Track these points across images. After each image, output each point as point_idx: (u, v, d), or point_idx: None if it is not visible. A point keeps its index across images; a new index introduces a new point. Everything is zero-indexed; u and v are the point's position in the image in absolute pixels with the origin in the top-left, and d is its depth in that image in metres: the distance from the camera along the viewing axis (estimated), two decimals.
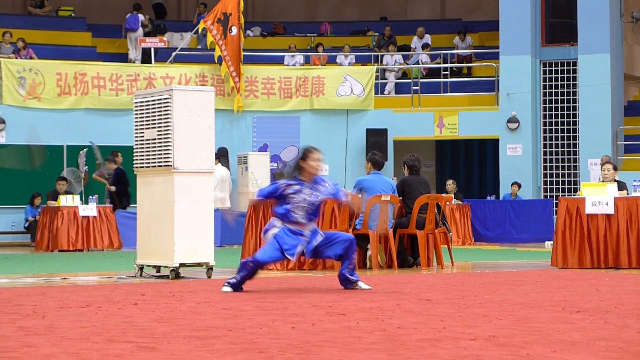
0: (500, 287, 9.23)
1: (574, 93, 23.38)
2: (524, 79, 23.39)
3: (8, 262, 14.60)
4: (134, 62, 24.33)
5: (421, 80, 24.42)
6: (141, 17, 25.22)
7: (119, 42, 25.72)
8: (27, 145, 21.49)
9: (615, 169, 13.84)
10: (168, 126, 10.61)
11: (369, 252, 12.60)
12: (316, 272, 11.84)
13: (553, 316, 6.63)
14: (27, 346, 5.22)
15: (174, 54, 23.62)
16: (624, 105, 24.46)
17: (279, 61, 25.34)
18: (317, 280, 10.36)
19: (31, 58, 22.85)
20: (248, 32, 26.57)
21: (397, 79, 25.39)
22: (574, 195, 16.49)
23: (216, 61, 23.10)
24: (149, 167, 10.94)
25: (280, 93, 23.54)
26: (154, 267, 11.12)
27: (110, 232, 18.52)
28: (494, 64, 24.12)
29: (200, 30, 23.52)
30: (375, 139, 22.95)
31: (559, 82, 23.61)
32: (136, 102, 11.19)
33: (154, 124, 10.82)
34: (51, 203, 18.93)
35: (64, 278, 11.07)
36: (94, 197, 18.65)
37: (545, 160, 23.55)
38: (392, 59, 25.58)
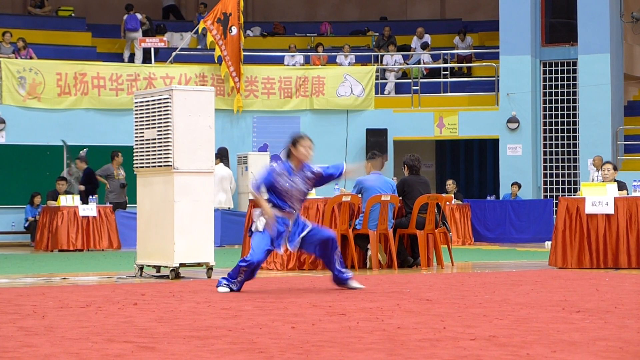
0: (500, 287, 9.23)
1: (574, 93, 23.38)
2: (524, 79, 23.39)
3: (8, 262, 14.60)
4: (134, 60, 24.43)
5: (421, 80, 24.41)
6: (139, 16, 25.26)
7: (119, 43, 25.72)
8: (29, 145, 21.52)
9: (615, 169, 13.85)
10: (168, 126, 10.61)
11: (369, 252, 12.60)
12: (316, 272, 11.84)
13: (553, 316, 6.63)
14: (27, 346, 5.22)
15: (174, 54, 23.62)
16: (624, 105, 24.46)
17: (279, 61, 25.34)
18: (317, 280, 10.36)
19: (31, 58, 22.85)
20: (248, 32, 26.57)
21: (397, 79, 25.39)
22: (574, 195, 16.49)
23: (216, 61, 23.10)
24: (149, 167, 10.94)
25: (280, 93, 23.54)
26: (154, 267, 11.12)
27: (110, 232, 18.51)
28: (494, 64, 24.12)
29: (200, 30, 23.52)
30: (375, 139, 22.95)
31: (559, 82, 23.60)
32: (136, 102, 11.19)
33: (154, 124, 10.82)
34: (51, 203, 18.93)
35: (64, 278, 11.07)
36: (93, 197, 18.64)
37: (545, 160, 23.54)
38: (392, 59, 25.59)
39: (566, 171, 23.37)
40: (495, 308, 7.19)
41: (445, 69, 25.10)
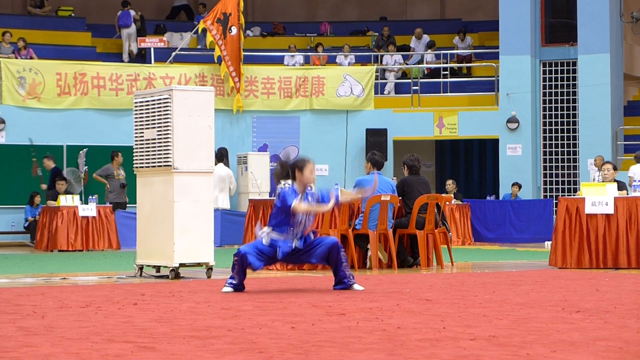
0: (500, 287, 9.23)
1: (574, 93, 23.39)
2: (523, 79, 23.39)
3: (8, 262, 14.60)
4: (129, 58, 24.49)
5: (421, 80, 24.42)
6: (132, 12, 25.29)
7: (118, 43, 25.73)
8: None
9: (615, 169, 13.86)
10: (168, 126, 10.61)
11: (369, 252, 12.60)
12: (316, 272, 11.84)
13: (553, 316, 6.63)
14: (26, 346, 5.22)
15: (173, 54, 23.62)
16: (624, 105, 24.46)
17: (279, 61, 25.34)
18: (317, 280, 10.36)
19: (31, 58, 22.86)
20: (248, 32, 26.58)
21: (397, 79, 25.40)
22: (574, 195, 16.49)
23: (216, 61, 23.10)
24: (148, 167, 10.94)
25: (280, 93, 23.54)
26: (154, 267, 11.12)
27: (110, 232, 18.50)
28: (493, 64, 24.12)
29: (200, 30, 23.53)
30: (375, 139, 22.95)
31: (559, 82, 23.61)
32: (136, 102, 11.19)
33: (154, 124, 10.82)
34: (51, 203, 18.93)
35: (64, 278, 11.07)
36: (93, 197, 18.64)
37: (545, 160, 23.55)
38: (392, 59, 25.59)
39: (566, 171, 23.37)
40: (495, 308, 7.19)
41: (445, 69, 25.11)
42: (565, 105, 23.50)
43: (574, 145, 23.29)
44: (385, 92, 24.89)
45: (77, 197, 18.67)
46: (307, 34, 28.10)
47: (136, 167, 11.19)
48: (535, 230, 21.41)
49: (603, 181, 13.37)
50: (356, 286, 8.95)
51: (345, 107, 23.72)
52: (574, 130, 23.30)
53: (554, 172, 23.48)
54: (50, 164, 20.08)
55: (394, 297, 8.23)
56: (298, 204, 8.77)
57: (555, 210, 13.97)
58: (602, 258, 12.05)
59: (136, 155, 11.14)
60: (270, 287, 9.30)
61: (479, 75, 25.53)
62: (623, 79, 24.12)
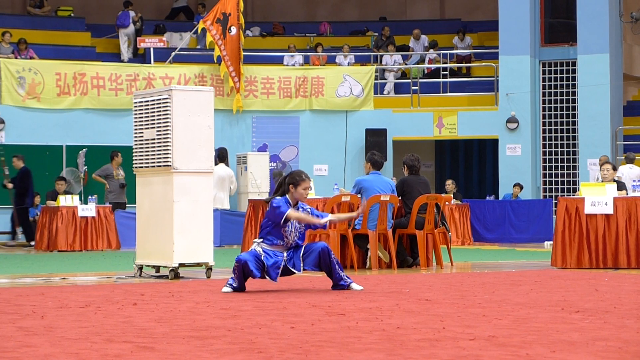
0: (499, 287, 9.23)
1: (573, 93, 23.39)
2: (523, 79, 23.39)
3: (7, 262, 14.60)
4: (125, 59, 24.48)
5: (420, 80, 24.42)
6: (132, 13, 25.30)
7: (118, 43, 25.72)
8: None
9: (614, 169, 13.86)
10: (167, 126, 10.61)
11: (368, 252, 12.60)
12: (316, 272, 11.83)
13: (552, 316, 6.63)
14: (26, 346, 5.22)
15: (173, 54, 23.62)
16: (623, 105, 24.47)
17: (279, 61, 25.34)
18: (316, 280, 10.36)
19: (32, 58, 22.85)
20: (247, 32, 26.57)
21: (397, 79, 25.40)
22: (573, 195, 16.50)
23: (215, 61, 23.10)
24: (148, 167, 10.94)
25: (279, 93, 23.54)
26: (153, 267, 11.11)
27: (109, 232, 18.50)
28: (493, 64, 24.12)
29: (199, 30, 23.53)
30: (375, 139, 22.95)
31: (558, 82, 23.61)
32: (135, 102, 11.19)
33: (154, 124, 10.82)
34: (50, 203, 18.92)
35: (63, 278, 11.07)
36: (93, 197, 18.64)
37: (544, 161, 23.55)
38: (392, 59, 25.59)
39: (565, 171, 23.37)
40: (494, 308, 7.19)
41: (444, 69, 25.11)
42: (564, 105, 23.50)
43: (574, 146, 23.29)
44: (385, 92, 24.90)
45: (76, 197, 18.66)
46: (307, 34, 28.10)
47: (136, 167, 11.19)
48: (535, 230, 21.41)
49: (602, 181, 13.37)
50: (354, 285, 8.95)
51: (345, 107, 23.72)
52: (574, 131, 23.31)
53: (553, 172, 23.48)
54: (19, 163, 19.98)
55: (393, 297, 8.23)
56: (292, 212, 8.81)
57: (555, 211, 13.97)
58: (602, 258, 12.05)
59: (136, 156, 11.14)
60: (270, 287, 9.30)
61: (479, 75, 25.53)
62: (622, 79, 24.12)
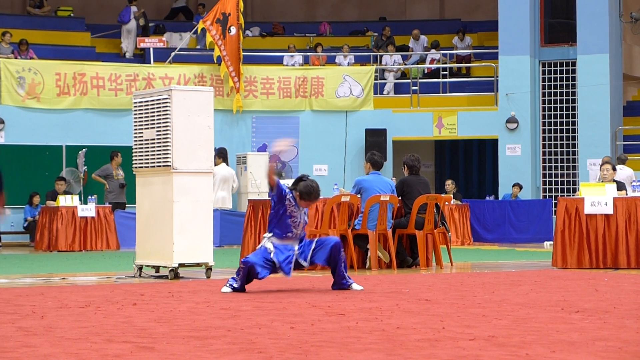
0: (499, 287, 9.23)
1: (573, 93, 23.39)
2: (523, 79, 23.39)
3: (7, 262, 14.60)
4: (125, 55, 24.45)
5: (420, 80, 24.42)
6: (134, 9, 25.29)
7: (118, 43, 25.73)
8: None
9: (614, 169, 13.86)
10: (167, 126, 10.61)
11: (368, 253, 12.60)
12: (315, 272, 11.84)
13: (552, 316, 6.63)
14: (26, 346, 5.22)
15: (173, 54, 23.61)
16: (623, 105, 24.47)
17: (278, 61, 25.34)
18: (316, 280, 10.36)
19: (32, 58, 22.85)
20: (247, 32, 26.58)
21: (396, 79, 25.40)
22: (573, 195, 16.50)
23: (215, 61, 23.10)
24: (148, 167, 10.94)
25: (279, 93, 23.54)
26: (153, 267, 11.11)
27: (109, 232, 18.50)
28: (493, 64, 24.13)
29: (199, 31, 23.52)
30: (375, 139, 22.95)
31: (558, 82, 23.61)
32: (135, 102, 11.19)
33: (153, 124, 10.82)
34: (50, 203, 18.93)
35: (63, 278, 11.07)
36: (93, 198, 18.65)
37: (544, 161, 23.55)
38: (391, 59, 25.59)
39: (565, 171, 23.37)
40: (494, 308, 7.20)
41: (444, 69, 25.11)
42: (564, 105, 23.50)
43: (573, 146, 23.29)
44: (385, 92, 24.89)
45: (76, 198, 18.66)
46: (307, 34, 28.10)
47: (135, 167, 11.19)
48: (535, 230, 21.41)
49: (602, 181, 13.37)
50: (355, 286, 8.95)
51: (345, 108, 23.71)
52: (573, 131, 23.31)
53: (553, 172, 23.48)
54: None
55: (393, 297, 8.23)
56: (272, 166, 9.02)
57: (555, 211, 13.97)
58: (602, 258, 12.05)
59: (135, 156, 11.14)
60: (270, 287, 9.30)
61: (479, 75, 25.53)
62: (622, 79, 24.12)
